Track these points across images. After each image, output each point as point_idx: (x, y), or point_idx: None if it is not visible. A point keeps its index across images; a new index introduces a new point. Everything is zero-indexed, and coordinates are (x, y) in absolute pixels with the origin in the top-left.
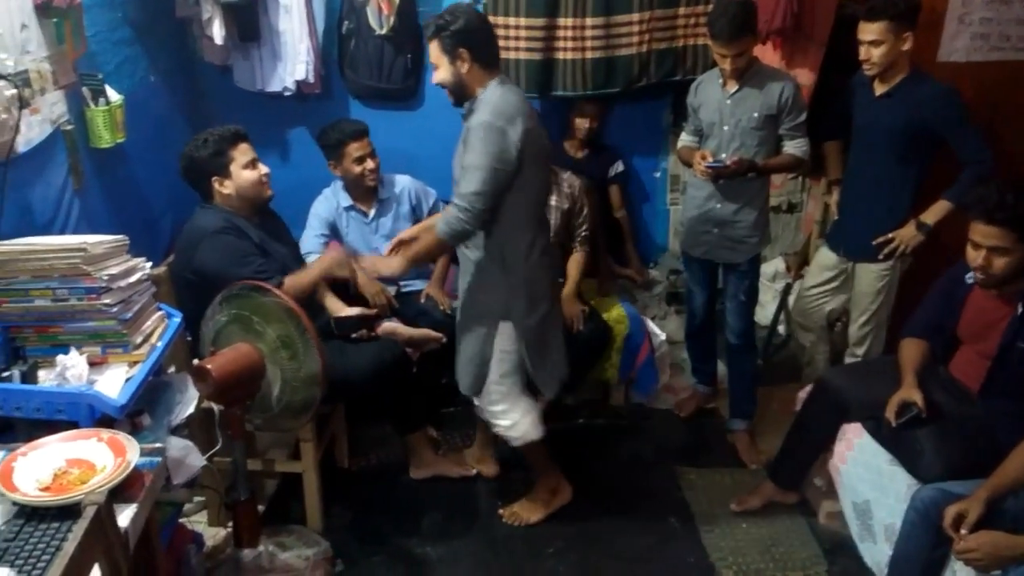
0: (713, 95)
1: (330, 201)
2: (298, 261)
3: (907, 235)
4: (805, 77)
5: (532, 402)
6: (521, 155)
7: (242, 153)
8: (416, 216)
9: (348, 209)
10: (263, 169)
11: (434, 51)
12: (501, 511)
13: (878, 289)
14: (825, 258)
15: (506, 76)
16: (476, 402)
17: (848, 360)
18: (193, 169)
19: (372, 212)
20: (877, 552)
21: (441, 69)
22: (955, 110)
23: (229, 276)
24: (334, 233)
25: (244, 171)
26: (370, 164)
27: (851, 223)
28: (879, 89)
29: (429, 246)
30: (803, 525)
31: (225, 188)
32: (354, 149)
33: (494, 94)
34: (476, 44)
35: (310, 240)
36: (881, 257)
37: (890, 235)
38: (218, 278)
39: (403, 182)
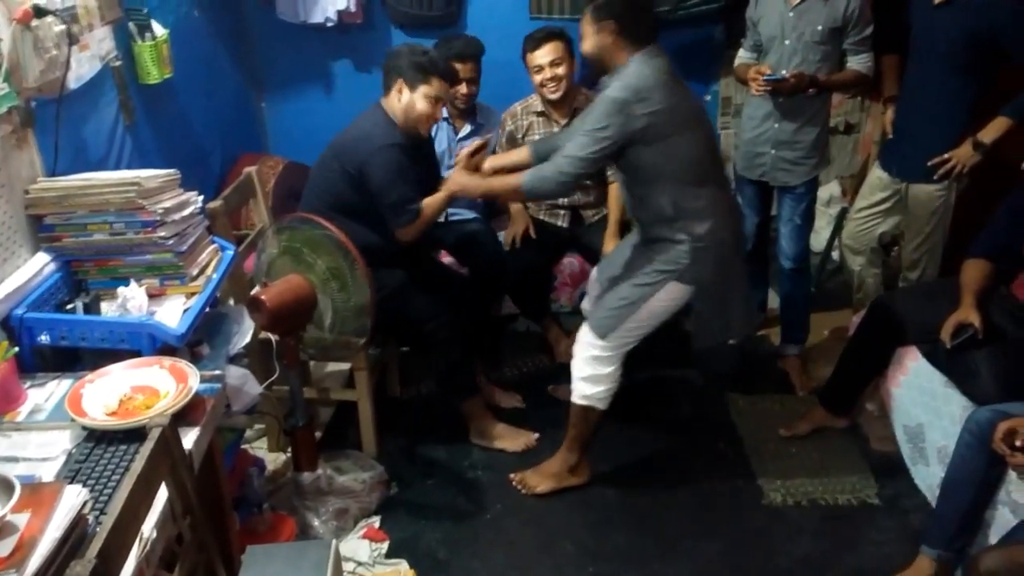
0: (775, 7)
1: None
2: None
3: (964, 155)
4: None
5: (620, 378)
6: (654, 128)
7: (436, 88)
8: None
9: (445, 119)
10: (437, 114)
11: (585, 20)
12: (512, 475)
13: (932, 211)
14: (877, 178)
15: (656, 50)
16: (580, 339)
17: (902, 285)
18: (394, 63)
19: (463, 131)
20: (929, 475)
21: (587, 38)
22: (1021, 19)
23: (386, 188)
24: None
25: (423, 100)
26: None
27: (905, 141)
28: None
29: (506, 188)
30: (853, 449)
31: (400, 96)
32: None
33: (631, 69)
34: (625, 17)
35: None
36: (936, 178)
37: (946, 155)
38: (373, 184)
39: (499, 116)
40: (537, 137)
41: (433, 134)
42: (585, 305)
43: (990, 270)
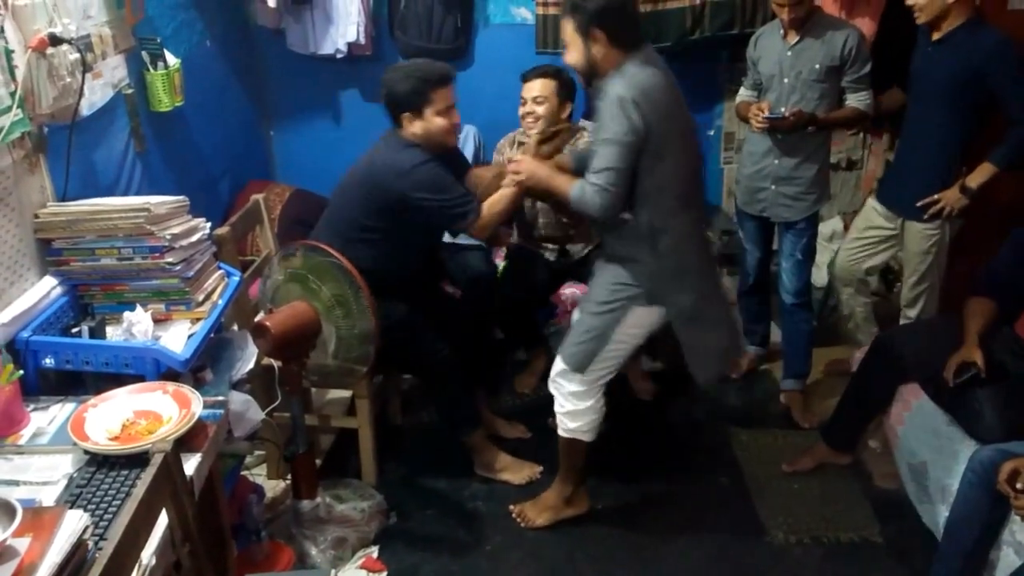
0: (773, 47)
1: None
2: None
3: (951, 197)
4: (866, 26)
5: (603, 407)
6: (652, 130)
7: (442, 98)
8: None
9: None
10: (455, 118)
11: (567, 29)
12: (512, 507)
13: (926, 249)
14: (871, 210)
15: (651, 54)
16: (555, 375)
17: (903, 322)
18: (390, 99)
19: None
20: (933, 513)
21: (573, 49)
22: (1007, 63)
23: (437, 199)
24: None
25: (437, 117)
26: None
27: (900, 177)
28: (935, 36)
29: (558, 188)
30: (856, 487)
31: (414, 127)
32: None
33: (630, 70)
34: (613, 25)
35: None
36: (926, 218)
37: (935, 196)
38: (425, 203)
39: (467, 128)
40: None
41: None
42: None
43: (993, 308)
